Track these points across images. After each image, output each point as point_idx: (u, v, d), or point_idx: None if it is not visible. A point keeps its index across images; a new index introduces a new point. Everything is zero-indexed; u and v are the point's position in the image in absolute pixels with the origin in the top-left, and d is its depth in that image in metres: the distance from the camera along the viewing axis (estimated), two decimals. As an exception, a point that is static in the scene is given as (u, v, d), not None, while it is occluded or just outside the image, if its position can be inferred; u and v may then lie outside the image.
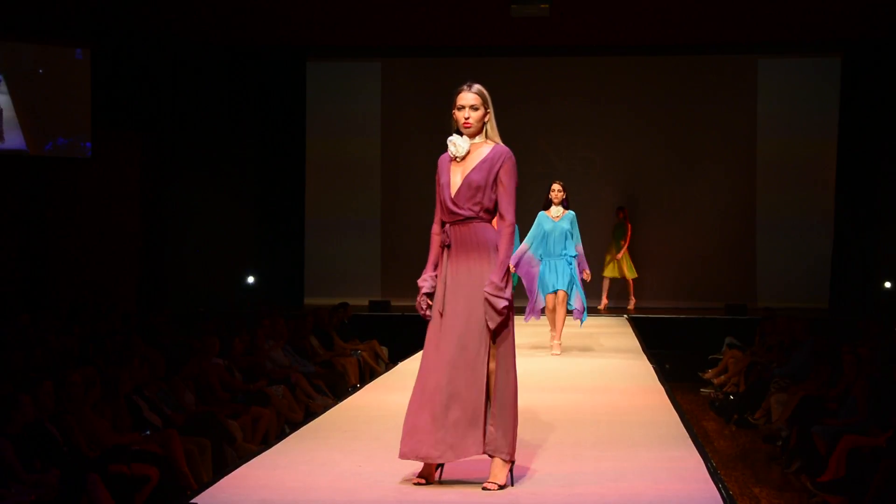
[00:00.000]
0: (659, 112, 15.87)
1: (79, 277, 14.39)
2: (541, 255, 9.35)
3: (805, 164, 15.68)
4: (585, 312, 9.47)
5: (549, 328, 9.48)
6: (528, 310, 9.45)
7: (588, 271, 9.46)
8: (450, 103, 4.60)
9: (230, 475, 4.79)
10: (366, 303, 14.93)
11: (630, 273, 15.15)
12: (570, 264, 9.30)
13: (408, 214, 15.55)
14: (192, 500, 4.34)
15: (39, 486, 5.79)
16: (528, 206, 8.90)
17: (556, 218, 9.37)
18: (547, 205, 9.47)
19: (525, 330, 10.06)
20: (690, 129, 15.92)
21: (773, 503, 7.21)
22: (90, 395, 6.83)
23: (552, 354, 9.24)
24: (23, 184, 14.17)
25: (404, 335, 11.61)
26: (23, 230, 14.15)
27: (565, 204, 9.45)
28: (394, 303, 14.79)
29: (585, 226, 14.72)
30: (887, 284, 14.87)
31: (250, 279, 15.78)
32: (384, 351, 12.42)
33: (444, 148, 4.57)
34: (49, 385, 6.56)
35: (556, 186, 9.46)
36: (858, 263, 14.97)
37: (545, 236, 9.33)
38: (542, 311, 9.46)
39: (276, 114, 15.93)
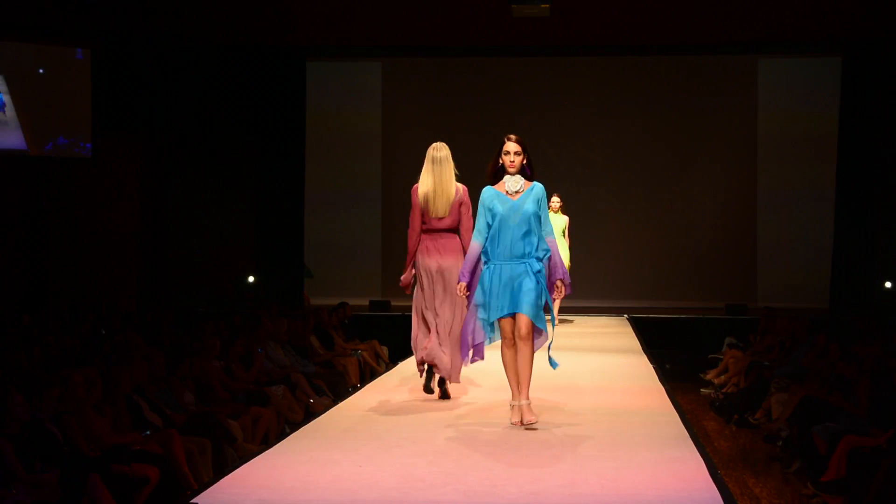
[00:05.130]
0: (659, 112, 15.87)
1: (79, 277, 14.39)
2: (487, 258, 5.85)
3: (805, 164, 15.68)
4: (551, 359, 5.96)
5: (508, 377, 5.79)
6: (462, 343, 6.00)
7: (562, 283, 5.83)
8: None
9: (230, 475, 4.79)
10: (366, 303, 14.93)
11: None
12: (539, 273, 5.73)
13: (408, 216, 15.51)
14: (192, 500, 4.34)
15: (40, 486, 5.79)
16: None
17: (513, 195, 5.82)
18: (497, 176, 5.90)
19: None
20: (691, 129, 15.92)
21: (773, 503, 7.21)
22: (91, 396, 6.83)
23: (514, 423, 5.76)
24: (23, 184, 14.17)
25: (405, 335, 11.58)
26: (23, 230, 14.15)
27: (528, 173, 5.89)
28: (394, 303, 14.79)
29: (585, 227, 14.91)
30: (888, 284, 14.87)
31: (250, 279, 15.78)
32: (384, 351, 12.42)
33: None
34: (51, 387, 6.56)
35: (512, 146, 5.82)
36: (859, 264, 14.97)
37: (498, 226, 5.79)
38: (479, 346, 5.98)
39: (276, 114, 15.94)
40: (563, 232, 11.79)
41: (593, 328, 12.13)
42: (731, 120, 15.85)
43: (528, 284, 5.70)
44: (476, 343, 5.93)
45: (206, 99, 15.48)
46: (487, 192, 5.89)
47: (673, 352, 12.50)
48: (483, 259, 5.88)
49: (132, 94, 14.69)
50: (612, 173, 16.01)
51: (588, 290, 14.87)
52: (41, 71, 13.66)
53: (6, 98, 13.29)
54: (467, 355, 6.00)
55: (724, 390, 11.23)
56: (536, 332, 5.77)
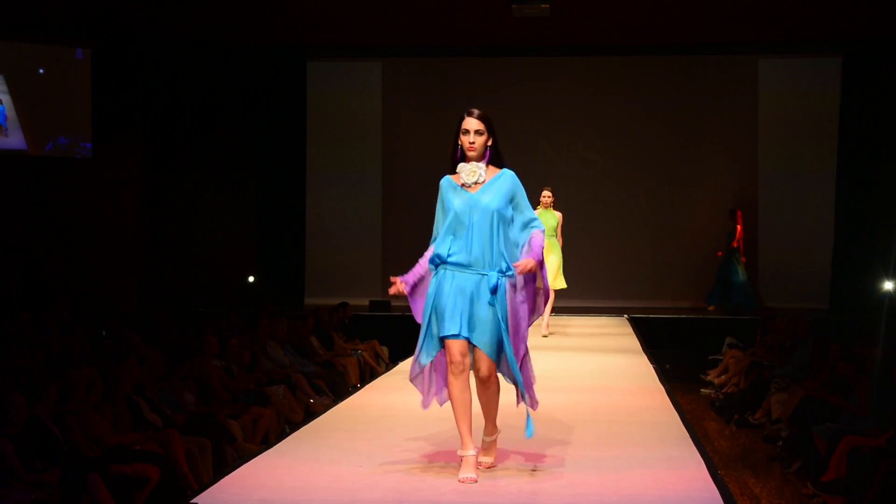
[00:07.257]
0: (659, 112, 15.86)
1: (79, 278, 14.40)
2: (437, 262, 4.59)
3: (806, 164, 15.67)
4: (529, 423, 4.59)
5: (456, 418, 4.51)
6: (423, 389, 4.70)
7: (537, 268, 4.54)
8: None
9: (230, 475, 4.79)
10: (366, 303, 14.93)
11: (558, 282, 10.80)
12: (495, 296, 4.43)
13: (409, 217, 15.53)
14: (192, 500, 4.34)
15: (40, 485, 5.79)
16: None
17: (472, 187, 4.57)
18: (458, 162, 4.63)
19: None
20: (691, 129, 15.91)
21: (773, 503, 7.21)
22: (91, 395, 6.84)
23: (462, 480, 4.45)
24: (23, 184, 14.18)
25: (405, 335, 11.53)
26: (23, 230, 14.16)
27: (493, 158, 4.62)
28: (394, 303, 14.78)
29: (585, 227, 14.91)
30: (888, 284, 14.86)
31: (250, 279, 15.78)
32: (385, 351, 12.43)
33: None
34: (52, 387, 6.57)
35: (472, 122, 4.53)
36: (859, 264, 14.95)
37: (452, 225, 4.56)
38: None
39: (277, 114, 15.94)
40: (556, 230, 10.71)
41: (593, 328, 12.12)
42: (731, 120, 15.84)
43: (484, 311, 4.43)
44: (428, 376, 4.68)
45: (207, 99, 15.48)
46: (444, 183, 4.63)
47: (673, 352, 12.50)
48: (431, 266, 4.59)
49: (132, 94, 14.69)
50: (611, 173, 16.00)
51: (588, 290, 14.87)
52: (41, 71, 13.67)
53: (6, 98, 13.30)
54: (424, 387, 4.68)
55: (724, 390, 11.24)
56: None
